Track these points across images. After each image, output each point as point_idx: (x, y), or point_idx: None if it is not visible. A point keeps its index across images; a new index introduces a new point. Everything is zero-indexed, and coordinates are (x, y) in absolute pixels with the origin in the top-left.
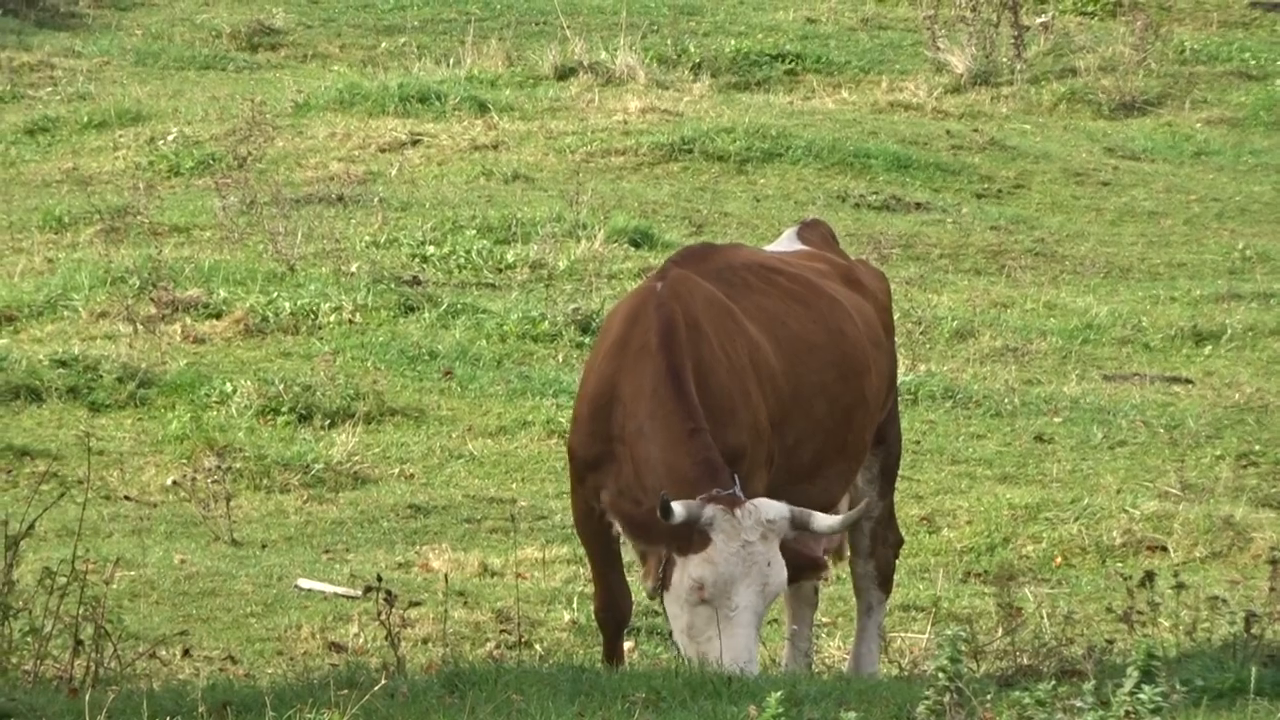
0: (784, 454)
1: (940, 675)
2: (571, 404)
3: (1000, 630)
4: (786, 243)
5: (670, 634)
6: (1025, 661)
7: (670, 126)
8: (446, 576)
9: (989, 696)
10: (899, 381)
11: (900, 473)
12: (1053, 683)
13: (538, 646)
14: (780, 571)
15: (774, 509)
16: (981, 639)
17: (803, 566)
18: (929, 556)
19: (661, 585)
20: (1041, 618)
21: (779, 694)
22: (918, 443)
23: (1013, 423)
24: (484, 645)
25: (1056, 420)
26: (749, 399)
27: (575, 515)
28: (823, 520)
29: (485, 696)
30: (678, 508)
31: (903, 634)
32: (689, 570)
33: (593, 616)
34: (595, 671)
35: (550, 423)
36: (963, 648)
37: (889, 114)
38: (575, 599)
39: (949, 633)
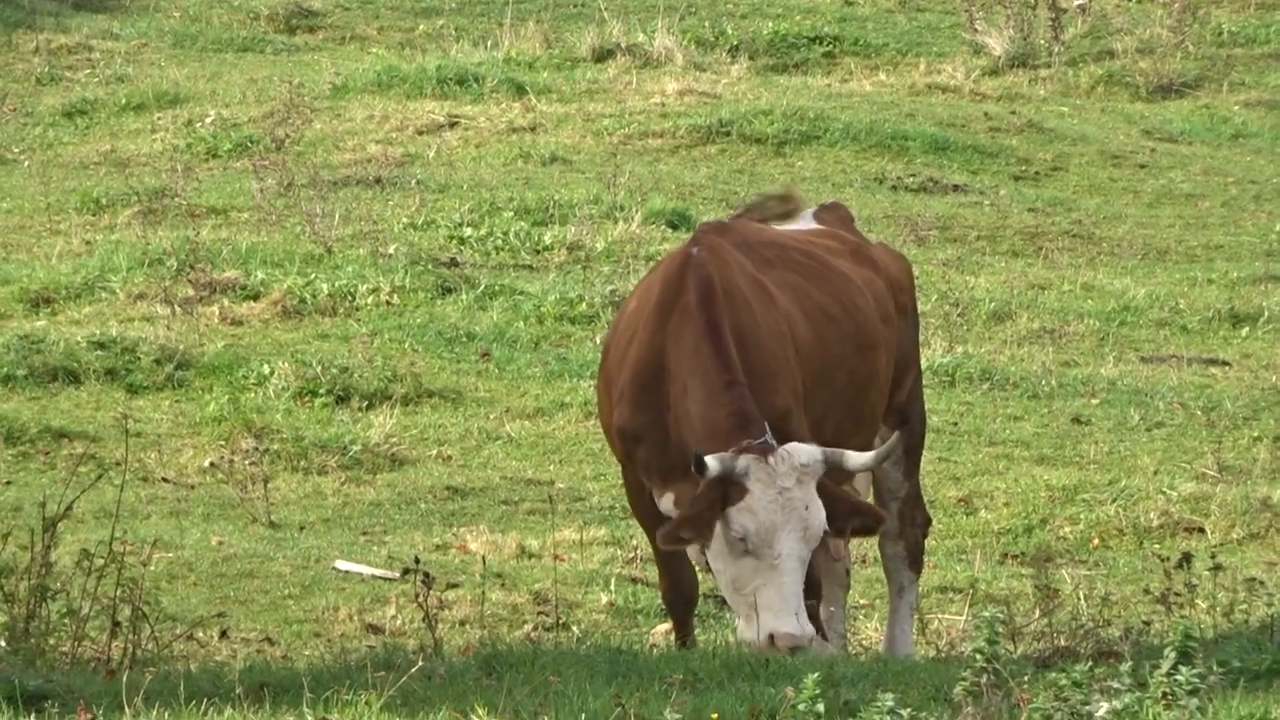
0: (810, 426)
1: (977, 656)
2: None
3: (1037, 612)
4: (803, 222)
5: (718, 593)
6: (1062, 643)
7: (708, 109)
8: (484, 558)
9: (1026, 678)
10: (937, 363)
11: (938, 454)
12: (1090, 664)
13: (575, 628)
14: (819, 514)
15: (806, 452)
16: (1019, 620)
17: (862, 513)
18: (966, 538)
19: (704, 541)
20: (1078, 599)
21: (816, 675)
22: (955, 424)
23: (1050, 404)
24: (521, 627)
25: (1094, 402)
26: (789, 365)
27: (630, 497)
28: (856, 458)
29: (522, 678)
30: (711, 462)
31: (940, 615)
32: (730, 523)
33: (661, 599)
34: (633, 653)
35: (588, 404)
36: (1000, 629)
37: (926, 96)
38: (613, 581)
39: (986, 614)
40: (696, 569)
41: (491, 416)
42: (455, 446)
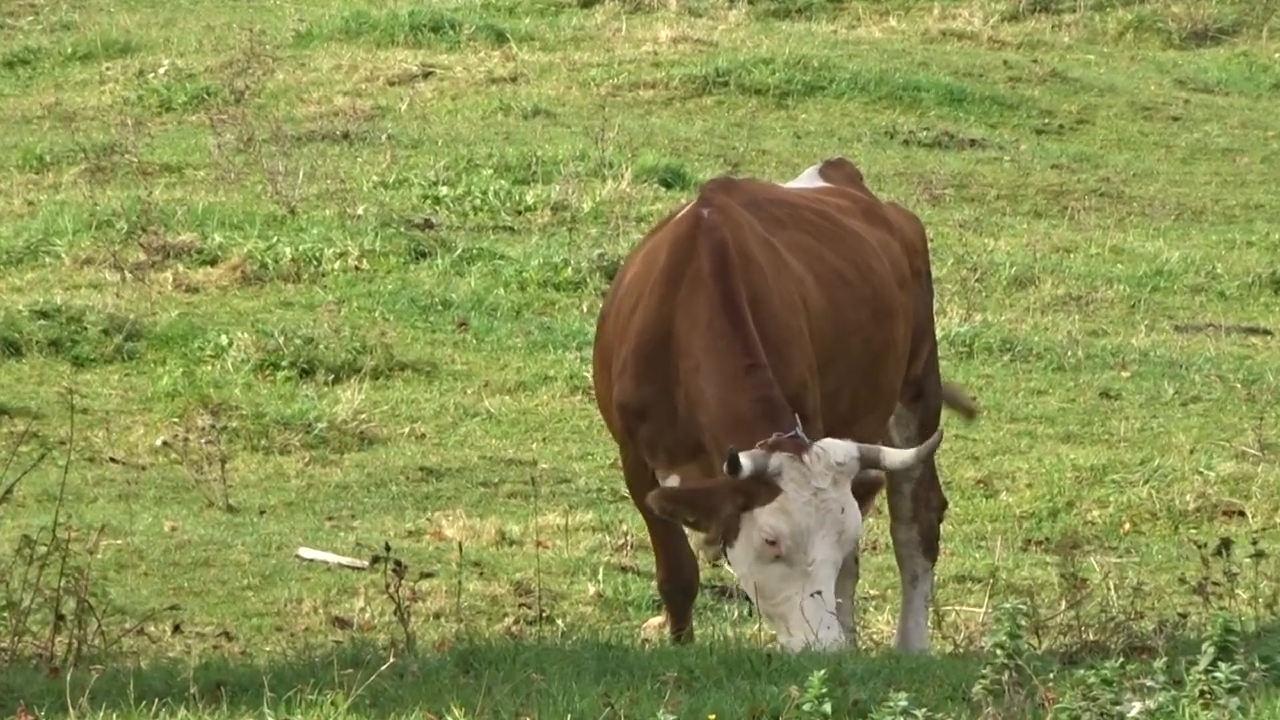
0: (824, 400)
1: (998, 652)
2: None
3: (1063, 603)
4: (807, 180)
5: (716, 584)
6: (1091, 637)
7: (704, 57)
8: (461, 545)
9: (1051, 675)
10: (954, 333)
11: (955, 432)
12: (1121, 660)
13: (560, 622)
14: (855, 517)
15: (842, 449)
16: (1043, 613)
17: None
18: (986, 523)
19: (724, 542)
20: (1108, 589)
21: (822, 673)
22: (973, 399)
23: (1076, 377)
24: (501, 620)
25: (1124, 374)
26: (803, 335)
27: (629, 479)
28: (894, 455)
29: (502, 676)
30: (745, 461)
31: (957, 607)
32: (759, 525)
33: (658, 589)
34: (623, 649)
35: (574, 378)
36: (1023, 622)
37: (941, 44)
38: (601, 570)
39: (1008, 606)
40: (699, 556)
41: (469, 391)
42: (429, 424)
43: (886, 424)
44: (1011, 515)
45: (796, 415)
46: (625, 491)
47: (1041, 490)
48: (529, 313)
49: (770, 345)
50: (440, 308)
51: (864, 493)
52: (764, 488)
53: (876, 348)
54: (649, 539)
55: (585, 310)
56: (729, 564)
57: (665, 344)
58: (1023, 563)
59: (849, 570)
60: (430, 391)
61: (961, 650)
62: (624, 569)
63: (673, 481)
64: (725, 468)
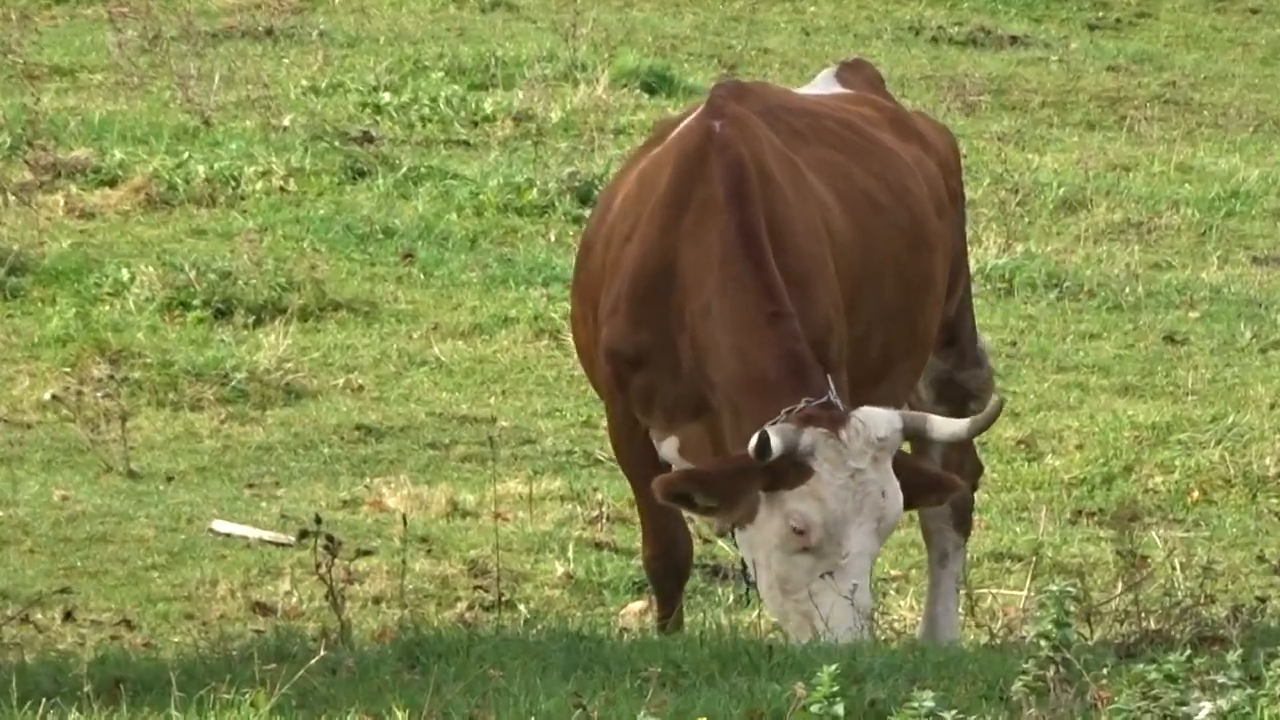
0: (851, 346)
1: (1042, 643)
2: (568, 292)
3: (1120, 585)
4: (822, 85)
5: (745, 572)
6: (1152, 625)
7: None
8: (405, 518)
9: (1105, 670)
10: (990, 266)
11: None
12: (1187, 652)
13: (522, 608)
14: (896, 502)
15: (883, 421)
16: (1096, 596)
17: (924, 487)
18: (1028, 491)
19: (734, 525)
20: (1173, 569)
21: (834, 668)
22: (1013, 344)
23: (1136, 318)
24: (453, 606)
25: (1192, 315)
26: (828, 270)
27: (615, 439)
28: (944, 425)
29: (455, 672)
30: (775, 440)
31: (993, 590)
32: (786, 511)
33: (642, 567)
34: (597, 640)
35: (539, 319)
36: (1071, 608)
37: None
38: (571, 546)
39: (1054, 588)
40: (693, 533)
41: (415, 335)
42: (368, 374)
43: (920, 373)
44: (1058, 482)
45: (828, 375)
46: (601, 454)
47: (1094, 452)
48: (486, 242)
49: (791, 283)
50: (381, 237)
51: (925, 487)
52: (793, 468)
53: (912, 284)
54: (631, 509)
55: (553, 239)
56: (736, 545)
57: (667, 281)
58: (1071, 538)
59: None
60: (369, 336)
61: (999, 641)
62: (598, 545)
63: (671, 444)
64: (753, 450)
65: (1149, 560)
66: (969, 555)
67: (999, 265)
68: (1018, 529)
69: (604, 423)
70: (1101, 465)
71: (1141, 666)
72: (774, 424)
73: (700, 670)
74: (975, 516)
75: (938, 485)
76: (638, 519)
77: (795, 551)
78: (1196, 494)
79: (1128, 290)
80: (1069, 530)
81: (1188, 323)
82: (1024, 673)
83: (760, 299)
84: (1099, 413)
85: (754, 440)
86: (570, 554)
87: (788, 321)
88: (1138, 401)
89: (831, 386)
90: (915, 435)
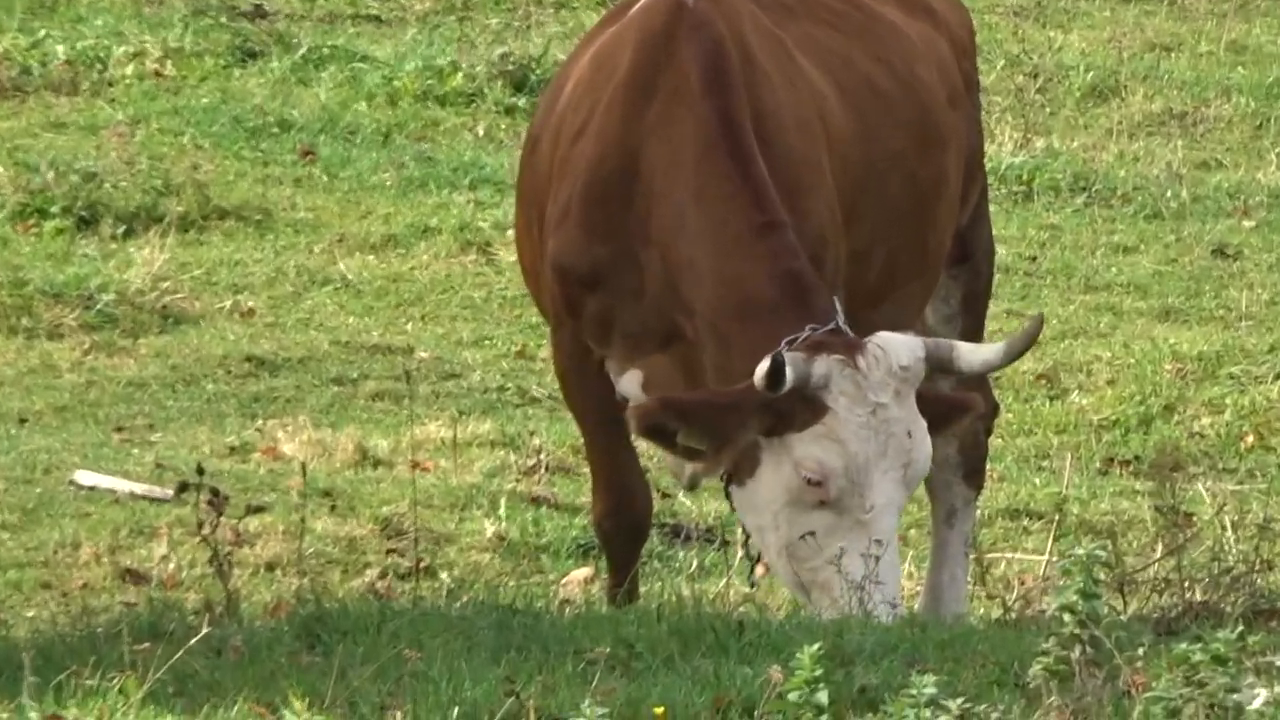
0: (851, 262)
1: (1066, 618)
2: (504, 196)
3: (1159, 548)
4: None
5: (746, 540)
6: (1198, 597)
7: None
8: (305, 468)
9: (1141, 650)
10: (1005, 165)
11: (1006, 304)
12: (1239, 629)
13: (445, 576)
14: (924, 445)
15: (905, 347)
16: (1130, 562)
17: (940, 416)
18: (1050, 435)
19: (731, 478)
20: (1223, 528)
21: (816, 649)
22: (1033, 259)
23: (1179, 228)
24: (362, 574)
25: (1246, 224)
26: (823, 173)
27: (562, 370)
28: (973, 354)
29: (363, 653)
30: (790, 369)
31: (1009, 554)
32: (798, 458)
33: (590, 526)
34: (534, 614)
35: (465, 230)
36: (1102, 575)
37: None
38: (503, 502)
39: (1080, 552)
40: (655, 482)
41: (317, 249)
42: (260, 295)
43: (930, 294)
44: (1086, 424)
45: (836, 299)
46: (539, 390)
47: (1129, 388)
48: (402, 137)
49: (780, 188)
50: (276, 131)
51: (948, 411)
52: (802, 405)
53: (922, 188)
54: (576, 457)
55: (481, 134)
56: (734, 507)
57: (629, 185)
58: (1102, 491)
59: None
60: (262, 250)
61: (1014, 615)
62: (536, 500)
63: (632, 379)
64: (762, 379)
65: (1194, 518)
66: (980, 513)
67: (1016, 165)
68: (1037, 481)
69: (545, 353)
70: (1138, 404)
71: (1185, 646)
72: (778, 353)
73: (657, 651)
74: (988, 466)
75: (956, 409)
76: (585, 469)
77: (811, 507)
78: (1251, 438)
79: (1169, 194)
80: (1098, 482)
81: (1241, 233)
82: (1044, 653)
83: (747, 207)
84: (1134, 341)
85: (763, 367)
86: (502, 511)
87: (782, 233)
88: (1181, 327)
89: (839, 310)
90: (940, 366)
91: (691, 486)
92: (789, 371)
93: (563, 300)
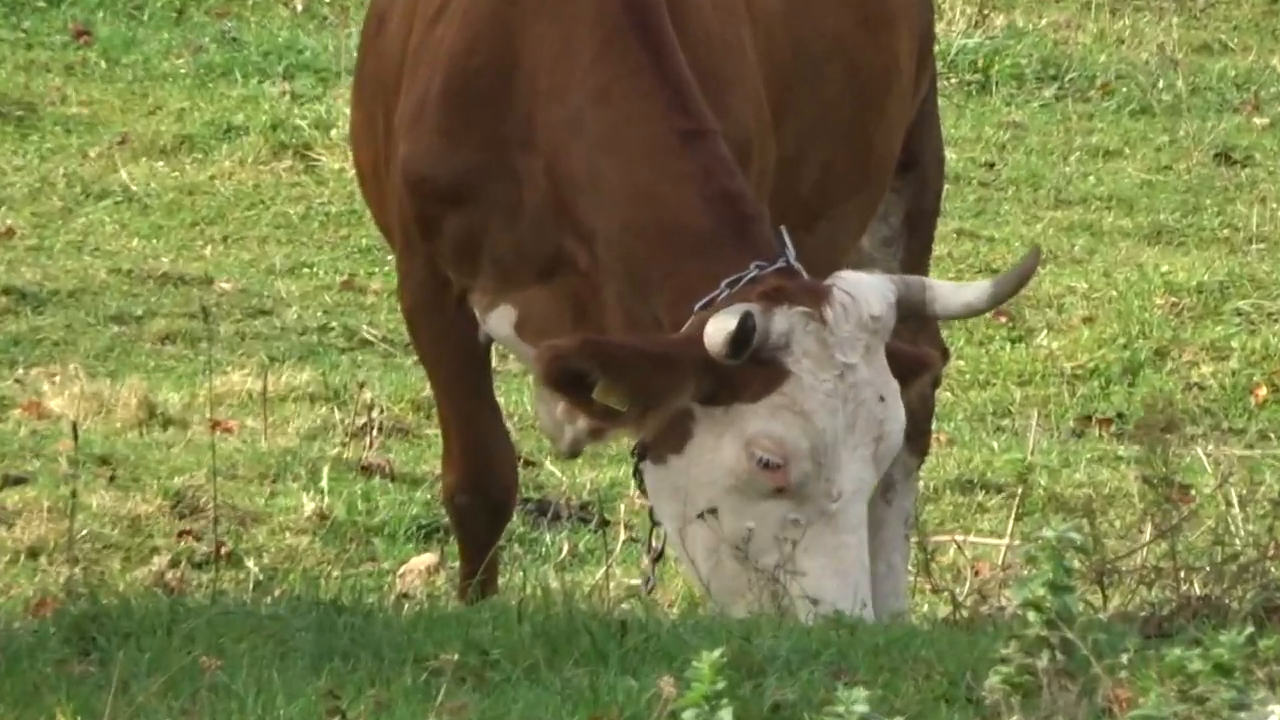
0: (778, 170)
1: (1031, 617)
2: (327, 87)
3: (1148, 530)
4: None
5: (653, 530)
6: (1196, 590)
7: None
8: (76, 427)
9: (1125, 657)
10: (955, 49)
11: (957, 223)
12: (1248, 630)
13: (252, 564)
14: (898, 412)
15: (876, 291)
16: (1112, 547)
17: (901, 374)
18: (1010, 387)
19: (652, 452)
20: (1227, 504)
21: (718, 655)
22: (990, 166)
23: (1173, 126)
24: (148, 562)
25: (1257, 123)
26: (745, 63)
27: (409, 301)
28: (953, 295)
29: (150, 661)
30: (725, 319)
31: (958, 537)
32: (750, 436)
33: (439, 501)
34: (363, 611)
35: (280, 129)
36: (1076, 563)
37: None
38: (325, 472)
39: (1049, 534)
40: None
41: (93, 154)
42: (21, 212)
43: (877, 208)
44: (1057, 373)
45: (784, 231)
46: (372, 331)
47: (1110, 329)
48: (200, 13)
49: (697, 82)
50: (43, 5)
51: (912, 368)
52: (757, 369)
53: (867, 78)
54: (420, 414)
55: (300, 9)
56: (645, 491)
57: (506, 77)
58: (1076, 458)
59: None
60: (24, 154)
61: (966, 614)
62: (367, 470)
63: (503, 316)
64: (724, 345)
65: (1192, 491)
66: (924, 485)
67: (969, 48)
68: (995, 445)
69: (379, 284)
70: (1121, 348)
71: (1179, 652)
72: (721, 300)
73: (519, 658)
74: (934, 427)
75: (915, 366)
76: (431, 430)
77: (762, 495)
78: (1264, 391)
79: (1161, 85)
80: (1072, 446)
81: (1250, 133)
82: (1003, 661)
83: (666, 109)
84: (1117, 269)
85: (721, 326)
86: (324, 483)
87: (712, 143)
88: (1176, 252)
89: (788, 242)
90: (912, 310)
91: (571, 454)
92: (732, 323)
93: (415, 218)
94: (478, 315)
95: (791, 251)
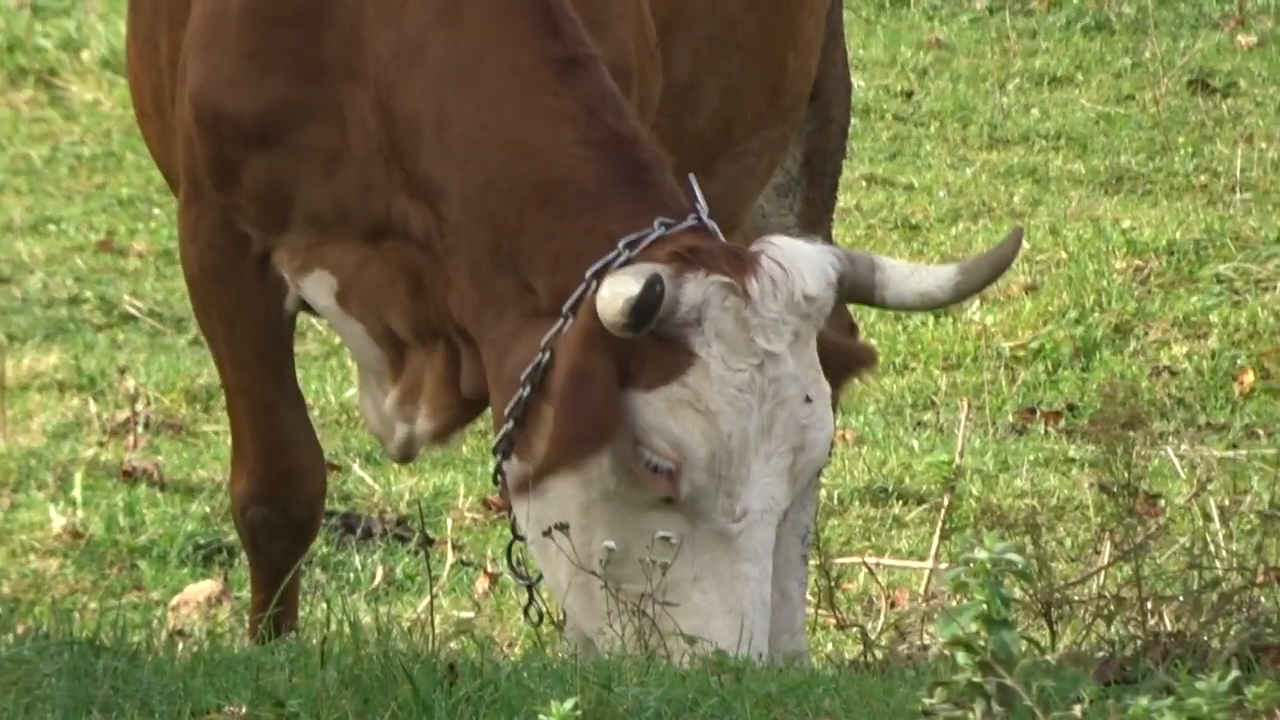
0: (668, 99)
1: (961, 659)
2: None
3: (1106, 550)
4: None
5: (515, 550)
6: (1167, 624)
7: None
8: None
9: (1079, 710)
10: None
11: (866, 167)
12: (1231, 674)
13: None
14: (825, 418)
15: (813, 263)
16: (1062, 571)
17: (837, 371)
18: (934, 371)
19: (515, 447)
20: (1205, 518)
21: (570, 707)
22: (908, 96)
23: (1135, 47)
24: None
25: (1242, 41)
26: None
27: (195, 262)
28: (909, 278)
29: None
30: (628, 284)
31: (869, 559)
32: (639, 431)
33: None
34: (127, 654)
35: (18, 51)
36: (1017, 591)
37: None
38: (78, 478)
39: (982, 555)
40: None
41: None
42: None
43: (788, 146)
44: (993, 355)
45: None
46: (135, 303)
47: (1058, 299)
48: None
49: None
50: None
51: (846, 365)
52: (655, 349)
53: None
54: (197, 405)
55: None
56: (506, 494)
57: None
58: (1017, 460)
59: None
60: None
61: (880, 654)
62: (130, 475)
63: (319, 283)
64: (624, 312)
65: (1161, 502)
66: (825, 494)
67: None
68: (916, 444)
69: (144, 244)
70: (1072, 324)
71: (1146, 702)
72: (619, 264)
73: (323, 711)
74: (839, 421)
75: (850, 361)
76: (212, 425)
77: (648, 507)
78: (1250, 377)
79: None
80: (1011, 446)
81: (1233, 54)
82: (927, 715)
83: (532, 30)
84: (1067, 225)
85: (624, 288)
86: (77, 492)
87: (593, 72)
88: (1141, 203)
89: (699, 195)
90: (856, 294)
91: (404, 457)
92: (636, 288)
93: (209, 162)
94: (287, 279)
95: (704, 206)
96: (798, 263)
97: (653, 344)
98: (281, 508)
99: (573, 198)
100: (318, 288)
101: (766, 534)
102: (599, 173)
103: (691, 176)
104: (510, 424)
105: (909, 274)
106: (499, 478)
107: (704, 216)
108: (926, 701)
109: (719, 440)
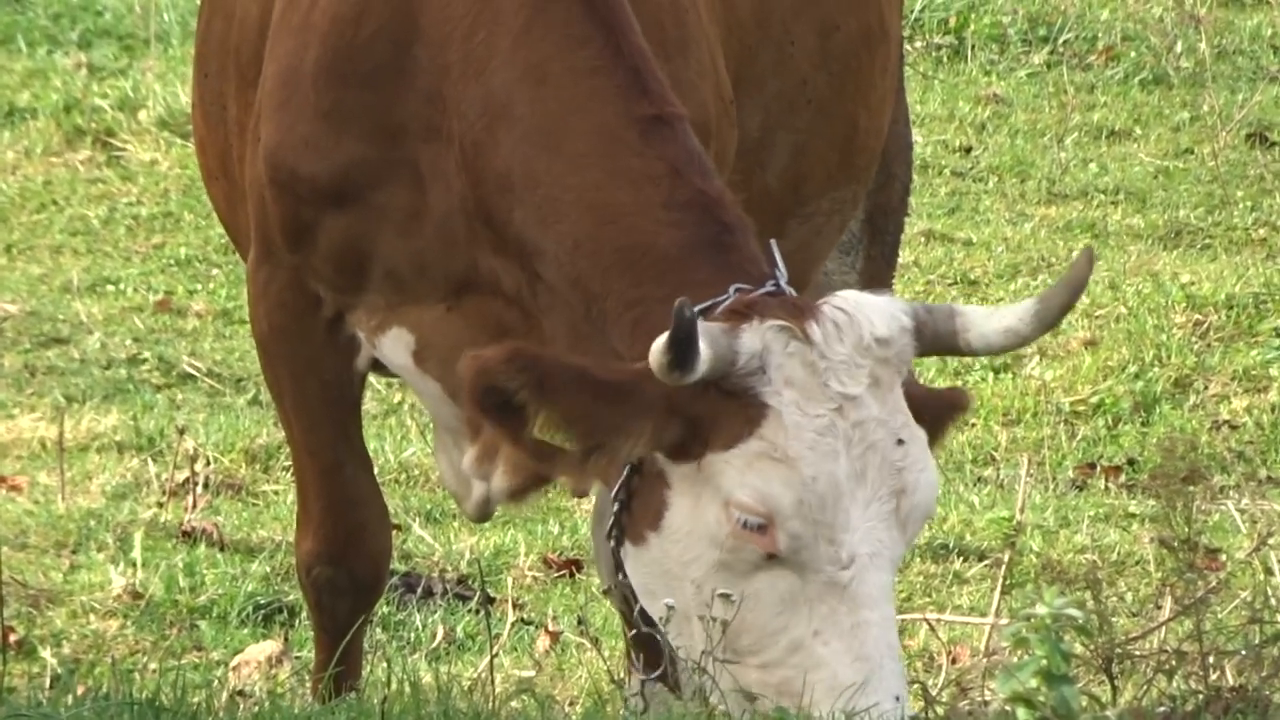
0: (739, 156)
1: (1022, 715)
2: (134, 57)
3: (1168, 604)
4: None
5: (635, 622)
6: (1228, 679)
7: None
8: None
9: None
10: (913, 7)
11: (927, 220)
12: None
13: (47, 654)
14: (925, 462)
15: (881, 310)
16: (1123, 626)
17: (936, 417)
18: (994, 427)
19: (628, 535)
20: (1266, 572)
21: None
22: (966, 152)
23: (1194, 101)
24: None
25: None
26: (697, 19)
27: (265, 322)
28: (988, 320)
29: None
30: (705, 342)
31: (929, 615)
32: (725, 490)
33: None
34: (188, 715)
35: (75, 111)
36: (1078, 647)
37: None
38: (138, 539)
39: (1042, 611)
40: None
41: None
42: None
43: (860, 202)
44: (1053, 410)
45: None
46: (193, 362)
47: (1118, 354)
48: None
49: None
50: None
51: (940, 411)
52: (728, 405)
53: (847, 44)
54: (257, 466)
55: None
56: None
57: (405, 50)
58: (1076, 515)
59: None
60: None
61: (941, 711)
62: (189, 536)
63: (397, 342)
64: (663, 355)
65: (1222, 556)
66: None
67: (938, 4)
68: (976, 501)
69: (202, 304)
70: (1132, 379)
71: None
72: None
73: None
74: None
75: (946, 408)
76: (272, 485)
77: (752, 568)
78: None
79: (1179, 48)
80: (1071, 502)
81: None
82: None
83: (619, 90)
84: (1126, 279)
85: (662, 339)
86: (137, 554)
87: (679, 132)
88: (1199, 257)
89: (779, 259)
90: (937, 343)
91: (481, 516)
92: (702, 344)
93: (283, 222)
94: (364, 339)
95: (783, 272)
96: (863, 308)
97: (723, 402)
98: (347, 568)
99: (654, 264)
100: (394, 346)
101: (880, 579)
102: (681, 238)
103: (773, 242)
104: (616, 507)
105: (989, 315)
106: (617, 560)
107: (782, 283)
108: None
109: (803, 485)
